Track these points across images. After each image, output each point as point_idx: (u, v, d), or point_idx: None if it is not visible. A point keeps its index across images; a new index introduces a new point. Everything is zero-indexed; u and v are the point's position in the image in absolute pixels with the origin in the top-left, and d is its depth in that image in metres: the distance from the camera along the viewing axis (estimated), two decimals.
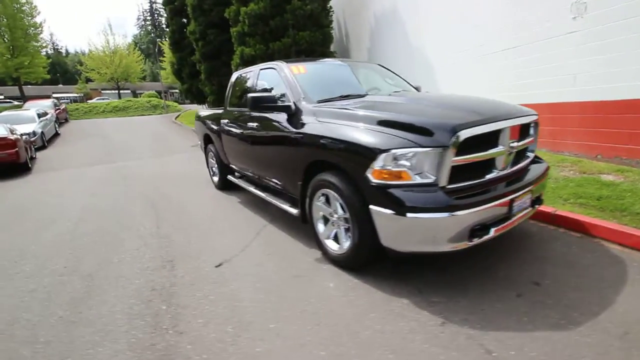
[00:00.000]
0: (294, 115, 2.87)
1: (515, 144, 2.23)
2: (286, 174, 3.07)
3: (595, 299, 1.98)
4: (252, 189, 3.94)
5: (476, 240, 2.03)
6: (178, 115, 22.12)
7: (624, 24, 3.82)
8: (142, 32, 62.12)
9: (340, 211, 2.47)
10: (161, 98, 36.42)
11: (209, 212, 4.20)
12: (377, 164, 2.04)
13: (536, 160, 2.67)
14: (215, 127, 4.77)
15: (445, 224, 1.94)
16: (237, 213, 4.12)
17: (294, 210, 3.03)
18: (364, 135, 2.15)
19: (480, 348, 1.68)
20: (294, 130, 2.77)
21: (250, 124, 3.53)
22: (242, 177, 4.50)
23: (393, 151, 1.99)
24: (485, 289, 2.15)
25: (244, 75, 4.13)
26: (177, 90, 48.60)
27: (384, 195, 2.04)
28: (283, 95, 3.14)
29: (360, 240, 2.26)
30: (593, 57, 4.16)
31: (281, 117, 3.03)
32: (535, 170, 2.49)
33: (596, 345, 1.65)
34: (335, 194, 2.40)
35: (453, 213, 1.92)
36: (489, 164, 2.19)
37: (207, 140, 5.45)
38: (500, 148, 2.17)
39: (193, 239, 3.39)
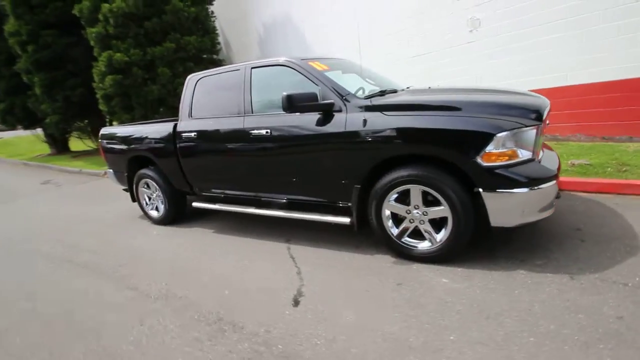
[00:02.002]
0: (338, 114, 2.59)
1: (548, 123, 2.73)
2: (330, 180, 2.74)
3: (627, 229, 2.62)
4: (252, 210, 3.31)
5: (554, 206, 2.36)
6: None
7: (508, 36, 5.16)
8: None
9: (423, 206, 2.41)
10: None
11: (191, 253, 3.27)
12: (490, 147, 2.11)
13: None
14: (163, 145, 3.75)
15: (549, 192, 2.19)
16: (232, 243, 3.36)
17: (345, 219, 2.74)
18: (467, 121, 2.17)
19: (618, 284, 1.98)
20: (351, 129, 2.51)
21: (258, 132, 2.95)
22: (211, 199, 3.71)
23: (506, 133, 2.09)
24: (557, 243, 2.52)
25: (216, 77, 3.40)
26: None
27: (498, 177, 2.12)
28: None
29: (466, 227, 2.27)
30: (489, 61, 5.43)
31: (313, 119, 2.69)
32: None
33: None
34: (425, 188, 2.33)
35: (556, 181, 2.20)
36: None
37: (134, 164, 4.23)
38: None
39: (214, 287, 2.58)
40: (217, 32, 10.26)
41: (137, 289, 2.72)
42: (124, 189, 4.74)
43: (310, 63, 2.88)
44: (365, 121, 2.46)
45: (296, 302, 2.24)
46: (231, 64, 11.30)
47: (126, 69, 8.50)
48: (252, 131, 3.00)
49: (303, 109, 2.59)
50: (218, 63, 10.41)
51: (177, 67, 9.01)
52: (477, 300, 2.02)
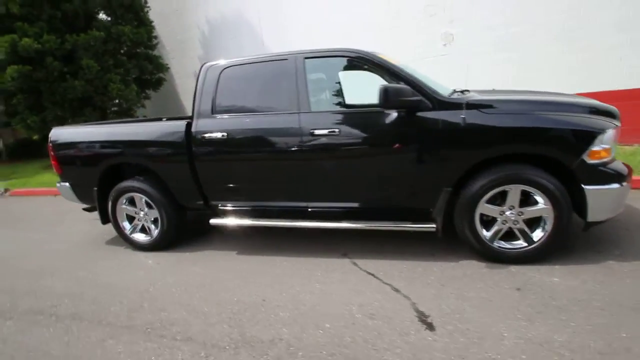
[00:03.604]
0: (427, 112, 2.39)
1: None
2: (413, 184, 2.51)
3: None
4: (301, 223, 2.84)
5: None
6: None
7: (479, 51, 5.72)
8: None
9: (519, 206, 2.38)
10: None
11: (229, 283, 2.63)
12: (595, 146, 2.19)
13: None
14: (170, 149, 2.98)
15: (629, 189, 2.38)
16: (276, 265, 2.82)
17: (430, 225, 2.54)
18: (573, 120, 2.21)
19: None
20: (448, 128, 2.34)
21: (321, 131, 2.53)
22: (233, 214, 3.08)
23: (606, 132, 2.21)
24: (610, 233, 2.75)
25: (250, 67, 2.82)
26: None
27: (599, 173, 2.22)
28: None
29: (567, 224, 2.31)
30: (458, 73, 5.92)
31: (395, 116, 2.44)
32: None
33: None
34: (526, 187, 2.30)
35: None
36: None
37: (107, 175, 3.28)
38: None
39: (303, 321, 2.08)
40: (153, 24, 8.98)
41: (192, 339, 2.02)
42: (85, 208, 3.65)
43: (381, 56, 2.62)
44: (464, 119, 2.32)
45: (429, 325, 1.94)
46: (165, 62, 10.01)
47: (37, 59, 6.68)
48: (314, 130, 2.57)
49: (398, 105, 2.33)
50: (154, 60, 9.11)
51: (107, 60, 7.54)
52: (604, 295, 2.04)
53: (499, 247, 2.46)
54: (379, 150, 2.55)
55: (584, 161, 2.21)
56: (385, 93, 2.24)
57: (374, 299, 2.24)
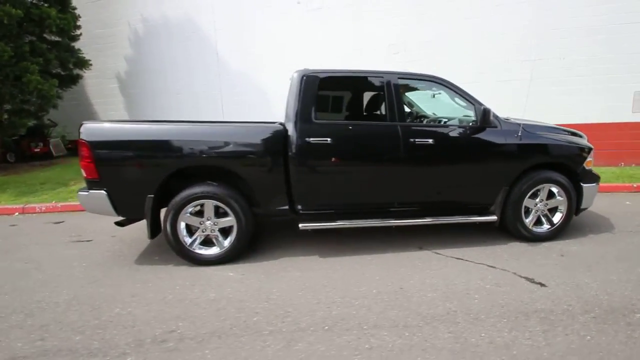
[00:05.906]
0: (493, 129, 3.17)
1: None
2: (483, 185, 3.23)
3: None
4: (389, 222, 3.18)
5: None
6: None
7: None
8: None
9: (546, 199, 3.36)
10: None
11: (354, 287, 2.75)
12: (589, 157, 3.37)
13: None
14: (264, 153, 2.90)
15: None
16: (370, 262, 3.06)
17: (492, 218, 3.29)
18: (578, 141, 3.34)
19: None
20: (511, 143, 3.16)
21: (421, 141, 3.00)
22: (317, 218, 3.19)
23: (592, 148, 3.42)
24: None
25: (346, 79, 3.04)
26: None
27: (590, 175, 3.42)
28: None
29: (573, 212, 3.39)
30: None
31: (473, 132, 3.15)
32: None
33: None
34: (553, 186, 3.30)
35: None
36: None
37: (171, 179, 2.95)
38: None
39: (463, 297, 2.46)
40: (76, 11, 7.54)
41: (378, 326, 2.13)
42: (118, 222, 3.04)
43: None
44: (520, 137, 3.20)
45: (541, 284, 2.61)
46: (82, 61, 8.37)
47: None
48: (415, 140, 3.02)
49: (485, 123, 3.02)
50: (75, 52, 7.62)
51: (22, 46, 5.96)
52: (614, 253, 3.09)
53: (535, 231, 3.39)
54: (461, 157, 3.19)
55: (584, 167, 3.37)
56: (484, 113, 2.93)
57: (483, 275, 2.79)
